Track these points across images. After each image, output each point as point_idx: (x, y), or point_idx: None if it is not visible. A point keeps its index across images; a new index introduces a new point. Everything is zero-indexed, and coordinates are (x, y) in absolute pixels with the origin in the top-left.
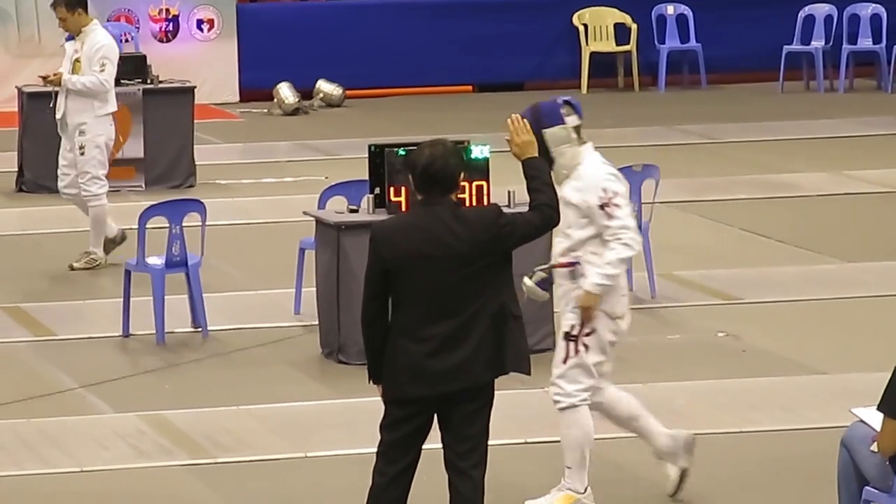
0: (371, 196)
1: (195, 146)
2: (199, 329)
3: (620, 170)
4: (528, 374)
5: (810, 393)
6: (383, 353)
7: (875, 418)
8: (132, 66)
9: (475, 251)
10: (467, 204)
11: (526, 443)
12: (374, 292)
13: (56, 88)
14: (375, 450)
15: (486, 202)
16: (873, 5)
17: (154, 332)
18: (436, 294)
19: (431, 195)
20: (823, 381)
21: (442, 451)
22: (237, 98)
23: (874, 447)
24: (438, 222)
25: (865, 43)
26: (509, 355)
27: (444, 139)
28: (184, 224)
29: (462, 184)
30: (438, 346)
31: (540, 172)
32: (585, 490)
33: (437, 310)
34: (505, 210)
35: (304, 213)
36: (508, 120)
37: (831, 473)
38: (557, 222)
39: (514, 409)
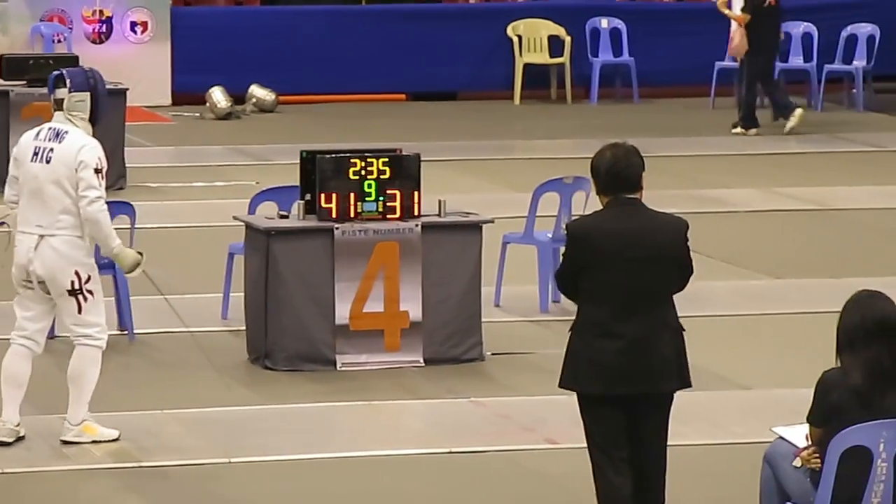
0: (302, 202)
1: (126, 148)
2: (126, 332)
3: (551, 181)
4: (690, 386)
5: (735, 408)
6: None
7: (796, 436)
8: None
9: (668, 252)
10: (397, 213)
11: (451, 452)
12: (567, 288)
13: None
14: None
15: (416, 211)
16: (804, 24)
17: None
18: (629, 292)
19: (618, 195)
20: (748, 396)
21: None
22: (169, 101)
23: (797, 462)
24: (634, 221)
25: (797, 61)
26: (686, 367)
27: (622, 141)
28: (113, 226)
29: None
30: (628, 345)
31: None
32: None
33: (629, 308)
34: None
35: (234, 217)
36: None
37: (754, 488)
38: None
39: (440, 418)
